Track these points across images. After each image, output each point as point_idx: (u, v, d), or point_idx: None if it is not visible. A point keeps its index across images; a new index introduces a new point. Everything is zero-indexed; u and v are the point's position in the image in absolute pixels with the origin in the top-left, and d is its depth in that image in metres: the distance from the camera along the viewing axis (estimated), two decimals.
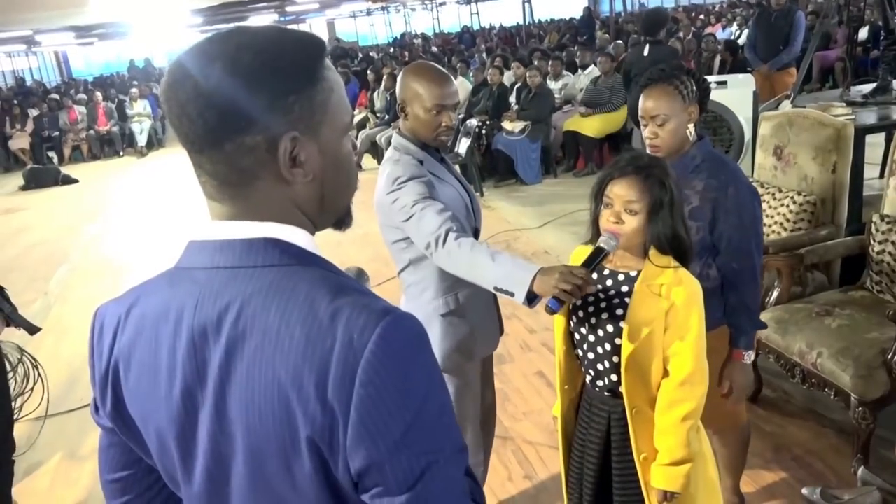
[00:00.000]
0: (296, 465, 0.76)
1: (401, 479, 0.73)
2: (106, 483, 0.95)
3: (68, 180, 10.92)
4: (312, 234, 0.85)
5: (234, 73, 0.75)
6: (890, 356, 2.36)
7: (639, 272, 1.63)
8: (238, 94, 0.75)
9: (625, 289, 1.64)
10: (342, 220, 0.90)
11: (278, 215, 0.81)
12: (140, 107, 13.16)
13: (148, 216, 8.23)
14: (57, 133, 12.83)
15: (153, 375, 0.82)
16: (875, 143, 4.59)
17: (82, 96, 14.25)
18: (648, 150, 1.98)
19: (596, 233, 1.67)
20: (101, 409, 0.90)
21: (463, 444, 0.78)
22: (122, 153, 12.96)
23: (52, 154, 12.75)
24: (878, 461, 2.47)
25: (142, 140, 12.93)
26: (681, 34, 12.25)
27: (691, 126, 1.98)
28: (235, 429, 0.78)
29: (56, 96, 14.31)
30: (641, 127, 2.02)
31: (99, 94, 13.80)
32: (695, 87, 1.97)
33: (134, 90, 13.83)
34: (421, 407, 0.74)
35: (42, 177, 10.99)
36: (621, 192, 1.59)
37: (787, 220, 3.13)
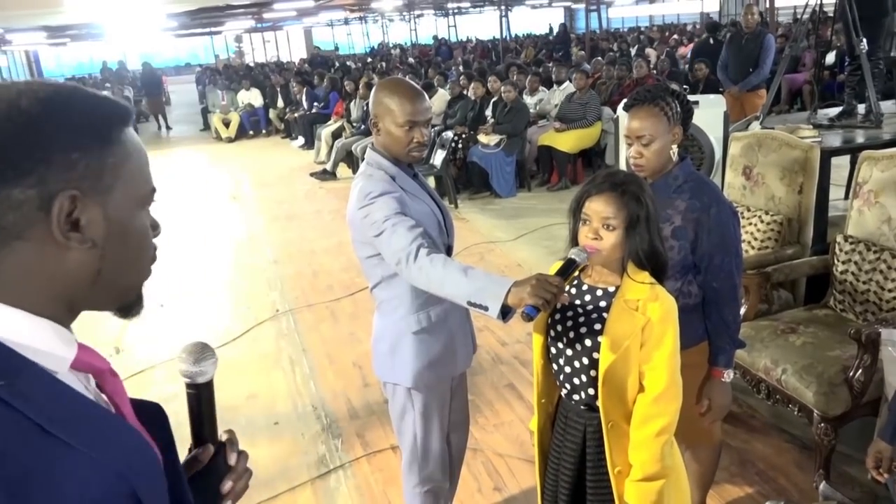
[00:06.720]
0: None
1: None
2: None
3: None
4: (66, 319, 0.74)
5: (8, 118, 0.67)
6: (851, 374, 2.42)
7: (617, 288, 1.65)
8: (11, 141, 0.66)
9: (603, 304, 1.66)
10: (130, 306, 0.79)
11: (30, 287, 0.70)
12: None
13: None
14: None
15: None
16: (840, 165, 4.72)
17: None
18: (632, 170, 2.01)
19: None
20: None
21: None
22: None
23: None
24: (839, 477, 2.52)
25: None
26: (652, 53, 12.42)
27: (674, 147, 2.01)
28: None
29: None
30: (626, 146, 2.05)
31: None
32: (679, 109, 2.00)
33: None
34: None
35: None
36: (598, 208, 1.61)
37: (755, 239, 3.20)
